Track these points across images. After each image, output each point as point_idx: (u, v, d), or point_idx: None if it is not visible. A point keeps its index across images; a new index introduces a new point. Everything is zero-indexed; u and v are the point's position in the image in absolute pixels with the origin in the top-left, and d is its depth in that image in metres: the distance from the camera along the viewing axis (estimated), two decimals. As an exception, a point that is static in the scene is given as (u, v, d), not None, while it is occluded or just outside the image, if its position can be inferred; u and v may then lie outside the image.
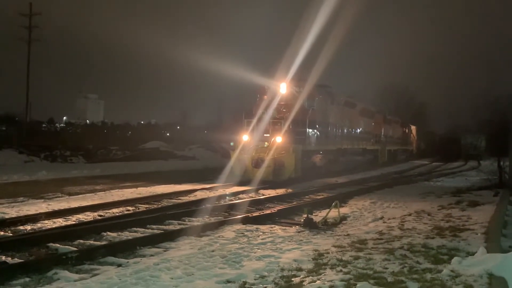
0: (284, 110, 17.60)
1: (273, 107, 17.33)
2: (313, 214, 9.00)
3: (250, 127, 17.35)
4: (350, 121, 23.81)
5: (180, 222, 8.97)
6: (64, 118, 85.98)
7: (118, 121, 71.26)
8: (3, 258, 6.10)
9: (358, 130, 25.61)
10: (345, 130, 22.79)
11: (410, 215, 9.91)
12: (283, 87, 17.86)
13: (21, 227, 8.07)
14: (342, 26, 19.48)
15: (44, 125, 51.03)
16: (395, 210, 10.84)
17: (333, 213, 9.56)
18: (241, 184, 15.24)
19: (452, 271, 5.39)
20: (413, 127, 44.16)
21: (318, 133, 18.80)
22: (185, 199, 12.24)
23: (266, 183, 15.28)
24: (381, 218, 9.67)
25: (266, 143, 16.85)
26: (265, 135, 17.09)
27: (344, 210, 10.65)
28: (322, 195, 13.82)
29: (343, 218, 9.64)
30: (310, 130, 18.07)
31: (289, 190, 14.50)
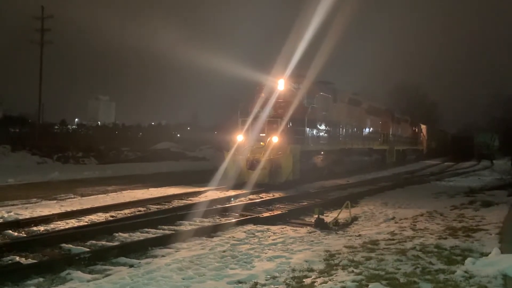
0: (282, 108, 16.22)
1: (270, 105, 16.04)
2: (324, 214, 8.96)
3: (245, 126, 16.18)
4: (355, 119, 22.68)
5: (191, 222, 9.00)
6: (76, 119, 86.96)
7: (129, 122, 72.02)
8: (17, 258, 6.18)
9: (364, 129, 24.60)
10: (349, 129, 21.72)
11: (422, 215, 9.82)
12: (281, 84, 16.59)
13: (35, 228, 8.18)
14: (345, 19, 18.17)
15: (56, 127, 51.62)
16: (407, 211, 10.74)
17: (344, 213, 9.51)
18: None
19: (465, 272, 5.32)
20: (423, 126, 43.62)
21: (318, 132, 17.80)
22: (196, 199, 12.29)
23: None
24: (393, 218, 9.59)
25: (262, 143, 15.72)
26: (261, 134, 15.88)
27: (355, 210, 10.59)
28: (330, 196, 13.74)
29: (355, 219, 9.59)
30: (310, 129, 16.93)
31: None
